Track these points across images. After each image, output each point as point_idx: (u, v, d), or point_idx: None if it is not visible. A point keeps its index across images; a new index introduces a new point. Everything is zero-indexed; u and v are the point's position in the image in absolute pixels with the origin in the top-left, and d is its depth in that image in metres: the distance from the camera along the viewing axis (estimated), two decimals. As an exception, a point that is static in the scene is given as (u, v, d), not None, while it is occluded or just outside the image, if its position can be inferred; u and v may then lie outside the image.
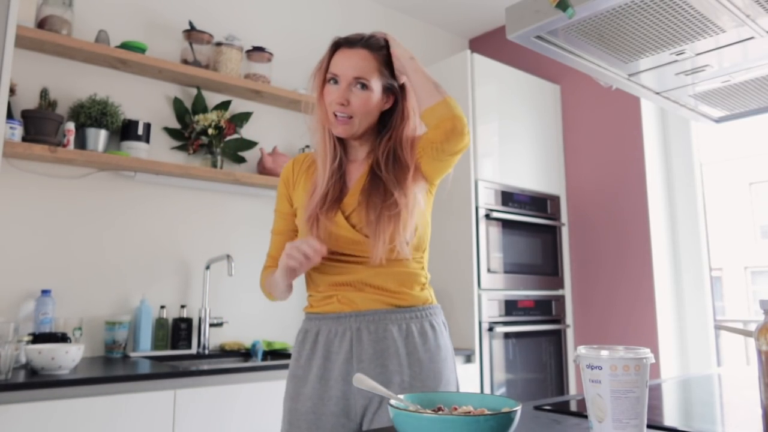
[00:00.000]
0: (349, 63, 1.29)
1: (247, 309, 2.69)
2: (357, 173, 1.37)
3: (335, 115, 1.29)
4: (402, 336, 1.26)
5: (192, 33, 2.59)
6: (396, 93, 1.35)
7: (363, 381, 0.91)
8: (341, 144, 1.36)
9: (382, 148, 1.33)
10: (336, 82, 1.30)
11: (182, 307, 2.50)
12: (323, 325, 1.30)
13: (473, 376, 2.74)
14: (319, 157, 1.35)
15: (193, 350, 2.46)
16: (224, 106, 2.70)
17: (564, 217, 3.31)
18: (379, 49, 1.32)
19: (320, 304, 1.32)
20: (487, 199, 2.94)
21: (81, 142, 2.27)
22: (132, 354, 2.28)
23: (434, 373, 1.26)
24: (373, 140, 1.37)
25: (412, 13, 3.58)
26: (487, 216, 2.90)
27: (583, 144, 3.30)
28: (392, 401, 0.83)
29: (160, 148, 2.56)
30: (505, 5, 1.26)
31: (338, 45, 1.33)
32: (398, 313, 1.28)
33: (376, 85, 1.30)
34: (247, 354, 2.53)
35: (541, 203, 3.20)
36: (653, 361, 0.79)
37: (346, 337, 1.27)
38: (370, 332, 1.26)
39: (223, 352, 2.52)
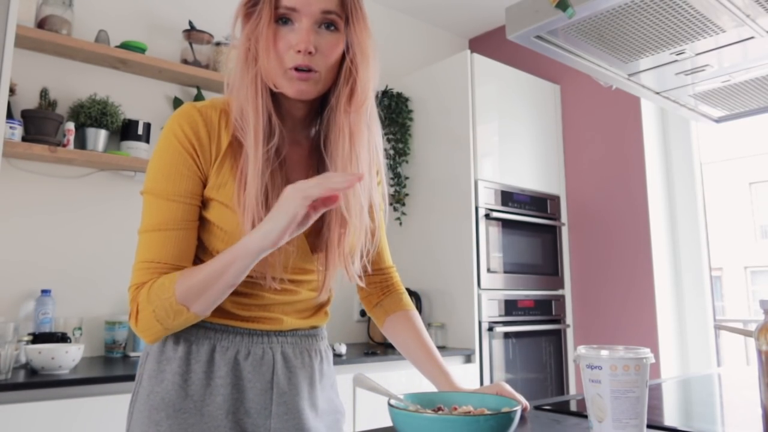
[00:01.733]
0: None
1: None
2: (302, 164, 0.99)
3: (294, 70, 0.88)
4: (317, 360, 1.03)
5: (192, 33, 2.59)
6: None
7: (363, 381, 0.90)
8: (277, 116, 0.92)
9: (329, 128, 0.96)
10: (288, 21, 0.88)
11: (182, 307, 2.50)
12: (223, 341, 0.94)
13: (473, 376, 2.74)
14: (248, 134, 0.89)
15: (193, 350, 2.46)
16: (224, 106, 2.70)
17: (564, 217, 3.31)
18: None
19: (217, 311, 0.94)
20: (487, 199, 2.94)
21: (81, 142, 2.27)
22: (132, 354, 2.28)
23: (336, 396, 1.09)
24: (315, 112, 0.99)
25: (413, 13, 3.58)
26: (487, 216, 2.90)
27: (583, 144, 3.30)
28: (392, 401, 0.83)
29: (160, 148, 2.55)
30: (505, 5, 1.26)
31: None
32: (316, 333, 1.05)
33: (341, 25, 0.91)
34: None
35: (541, 203, 3.20)
36: (653, 361, 0.79)
37: (265, 362, 0.95)
38: (296, 357, 0.99)
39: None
